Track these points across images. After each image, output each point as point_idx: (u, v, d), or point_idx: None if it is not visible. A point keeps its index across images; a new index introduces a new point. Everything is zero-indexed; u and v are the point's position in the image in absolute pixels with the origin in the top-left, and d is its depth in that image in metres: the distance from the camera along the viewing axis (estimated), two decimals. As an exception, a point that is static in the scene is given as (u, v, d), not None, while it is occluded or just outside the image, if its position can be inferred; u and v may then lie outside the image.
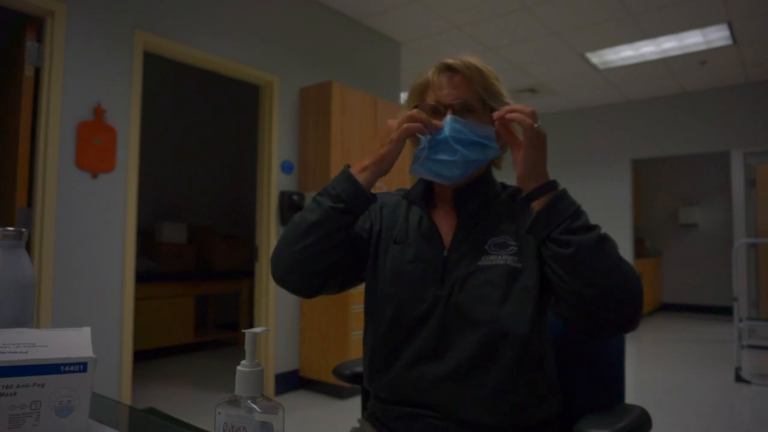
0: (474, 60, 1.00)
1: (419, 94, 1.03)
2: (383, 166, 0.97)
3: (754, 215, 5.89)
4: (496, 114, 0.90)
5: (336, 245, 0.95)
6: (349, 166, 0.98)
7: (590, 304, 0.84)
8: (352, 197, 0.94)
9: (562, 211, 0.85)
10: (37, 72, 2.60)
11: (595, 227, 0.86)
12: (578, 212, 0.86)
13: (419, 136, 0.97)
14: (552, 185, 0.88)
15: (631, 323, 0.85)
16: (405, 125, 0.93)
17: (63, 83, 2.59)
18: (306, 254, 0.94)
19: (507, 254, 0.95)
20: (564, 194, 0.87)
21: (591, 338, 0.92)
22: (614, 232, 5.91)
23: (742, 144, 5.88)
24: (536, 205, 0.88)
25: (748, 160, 5.92)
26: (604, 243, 0.85)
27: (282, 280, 0.99)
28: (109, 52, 2.78)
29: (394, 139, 0.94)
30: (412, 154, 1.11)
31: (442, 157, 0.94)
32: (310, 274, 0.96)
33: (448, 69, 0.99)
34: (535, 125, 0.86)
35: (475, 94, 0.98)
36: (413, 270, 0.99)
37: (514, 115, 0.88)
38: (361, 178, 0.95)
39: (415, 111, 0.95)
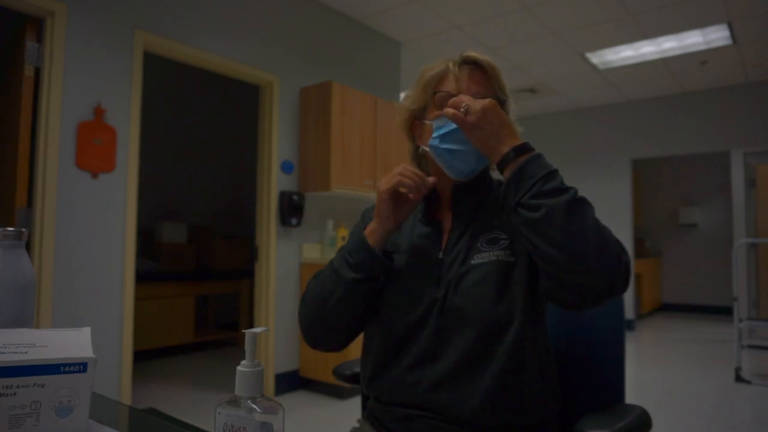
0: (490, 59, 1.00)
1: (437, 83, 1.01)
2: (384, 224, 0.96)
3: (754, 215, 5.89)
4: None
5: (365, 305, 0.98)
6: (363, 229, 0.98)
7: (564, 271, 0.80)
8: (370, 266, 0.94)
9: (533, 174, 0.82)
10: (37, 72, 2.60)
11: (568, 189, 0.81)
12: (551, 175, 0.82)
13: (427, 122, 1.00)
14: (521, 150, 0.85)
15: (611, 289, 0.81)
16: (396, 179, 0.94)
17: (63, 83, 2.59)
18: (338, 324, 0.98)
19: (499, 249, 0.94)
20: (535, 158, 0.84)
21: (577, 309, 0.88)
22: (614, 233, 5.96)
23: (742, 144, 5.88)
24: (507, 173, 0.85)
25: (748, 160, 5.92)
26: (578, 205, 0.80)
27: (316, 346, 1.03)
28: (109, 52, 2.78)
29: (382, 198, 0.95)
30: (411, 151, 1.11)
31: (451, 146, 0.94)
32: (345, 335, 1.01)
33: (471, 62, 0.99)
34: (457, 112, 0.87)
35: (493, 92, 0.99)
36: (409, 274, 0.99)
37: (453, 117, 0.89)
38: (372, 241, 0.95)
39: (409, 170, 0.95)
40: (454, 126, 0.92)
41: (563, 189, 0.81)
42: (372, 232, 0.96)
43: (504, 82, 1.00)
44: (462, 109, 0.87)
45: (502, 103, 1.00)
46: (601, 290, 0.81)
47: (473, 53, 0.99)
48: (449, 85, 0.98)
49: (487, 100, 0.87)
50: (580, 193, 0.83)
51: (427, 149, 0.99)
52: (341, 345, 1.02)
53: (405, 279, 0.99)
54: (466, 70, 0.98)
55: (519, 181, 0.83)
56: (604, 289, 0.81)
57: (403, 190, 0.95)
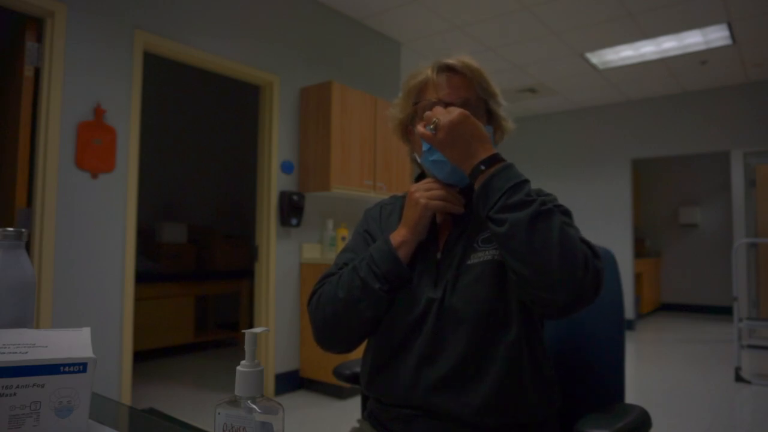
0: (471, 60, 1.00)
1: (417, 92, 1.03)
2: (420, 236, 0.98)
3: (754, 215, 5.89)
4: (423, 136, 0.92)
5: (385, 311, 0.98)
6: (388, 240, 0.97)
7: (530, 285, 0.81)
8: (397, 278, 0.95)
9: (499, 188, 0.83)
10: (37, 72, 2.60)
11: (533, 201, 0.81)
12: (515, 187, 0.83)
13: (416, 131, 1.00)
14: (490, 162, 0.85)
15: (577, 301, 0.80)
16: (440, 204, 0.95)
17: (63, 83, 2.59)
18: (358, 328, 0.98)
19: (493, 248, 0.94)
20: (502, 170, 0.84)
21: (551, 318, 0.90)
22: (614, 232, 5.89)
23: (742, 144, 5.88)
24: (476, 186, 0.87)
25: (748, 160, 5.91)
26: (541, 218, 0.80)
27: (329, 348, 1.02)
28: (109, 52, 2.78)
29: (426, 214, 0.96)
30: (410, 154, 1.12)
31: (439, 157, 0.96)
32: (361, 338, 1.01)
33: (448, 69, 0.99)
34: (427, 128, 0.88)
35: (475, 95, 0.99)
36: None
37: (423, 135, 0.91)
38: (402, 254, 0.96)
39: (441, 192, 0.96)
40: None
41: (527, 202, 0.81)
42: (404, 243, 0.96)
43: (487, 82, 1.00)
44: (431, 126, 0.88)
45: (485, 102, 1.00)
46: (566, 304, 0.81)
47: (449, 60, 0.99)
48: (429, 94, 1.00)
49: (455, 113, 0.87)
50: (553, 203, 0.84)
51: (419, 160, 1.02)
52: (354, 347, 1.03)
53: None
54: (444, 77, 0.99)
55: (486, 194, 0.84)
56: (570, 303, 0.81)
57: (448, 209, 0.97)
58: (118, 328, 2.77)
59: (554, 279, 0.78)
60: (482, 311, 0.90)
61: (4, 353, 0.56)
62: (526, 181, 0.84)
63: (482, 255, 0.94)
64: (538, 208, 0.81)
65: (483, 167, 0.85)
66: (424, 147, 0.98)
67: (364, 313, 0.95)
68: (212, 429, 0.53)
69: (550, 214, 0.81)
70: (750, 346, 4.33)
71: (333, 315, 0.97)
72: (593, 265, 0.80)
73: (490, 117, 1.02)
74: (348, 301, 0.95)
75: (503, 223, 0.81)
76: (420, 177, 1.09)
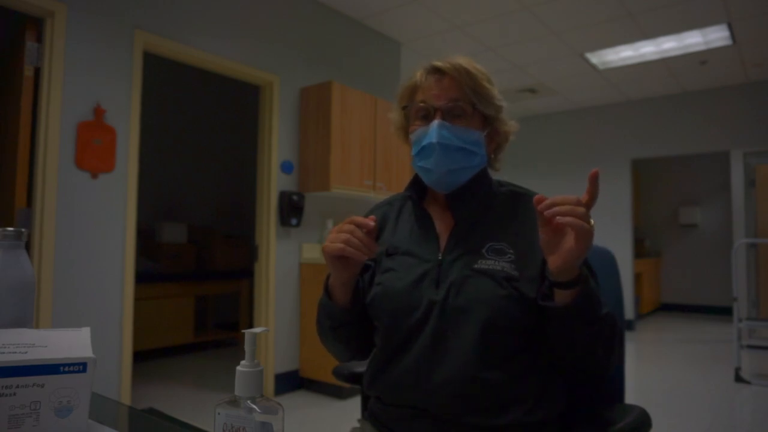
0: (464, 61, 0.98)
1: (409, 95, 1.03)
2: (340, 278, 0.97)
3: (753, 215, 5.89)
4: (539, 207, 0.79)
5: (360, 328, 1.03)
6: (328, 277, 1.01)
7: (562, 363, 0.94)
8: (339, 317, 1.01)
9: (590, 309, 0.84)
10: (37, 72, 2.60)
11: (606, 318, 0.86)
12: (600, 307, 0.85)
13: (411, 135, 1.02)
14: (582, 278, 0.83)
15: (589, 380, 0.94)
16: (339, 247, 0.90)
17: (63, 83, 2.59)
18: (348, 344, 1.05)
19: (504, 261, 0.93)
20: (591, 290, 0.84)
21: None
22: (614, 232, 5.88)
23: (742, 144, 5.88)
24: (561, 295, 0.84)
25: (748, 160, 5.91)
26: (614, 333, 0.88)
27: (340, 361, 1.14)
28: (109, 52, 2.78)
29: (327, 259, 0.94)
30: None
31: (424, 164, 0.98)
32: (359, 351, 1.08)
33: (436, 71, 0.98)
34: (591, 226, 0.78)
35: (465, 97, 0.97)
36: (408, 275, 0.98)
37: (567, 219, 0.77)
38: (337, 295, 1.00)
39: (345, 236, 0.90)
40: (424, 144, 0.96)
41: (602, 318, 0.86)
42: (332, 286, 1.00)
43: (479, 83, 0.97)
44: (592, 224, 0.81)
45: (473, 105, 0.98)
46: (583, 381, 0.97)
47: (437, 62, 0.99)
48: (418, 97, 1.00)
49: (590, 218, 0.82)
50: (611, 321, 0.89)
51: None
52: (361, 357, 1.09)
53: (404, 280, 0.98)
54: (432, 79, 0.98)
55: (578, 312, 0.84)
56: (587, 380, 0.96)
57: (347, 254, 0.91)
58: (118, 328, 2.77)
59: (581, 373, 0.95)
60: (488, 314, 0.90)
61: (3, 353, 0.56)
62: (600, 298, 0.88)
63: (492, 264, 0.93)
64: (606, 329, 0.88)
65: (573, 284, 0.83)
66: (413, 151, 1.00)
67: (338, 338, 1.03)
68: (212, 429, 0.53)
69: (611, 332, 0.89)
70: (750, 347, 4.33)
71: (324, 339, 1.08)
72: (618, 356, 0.92)
73: (485, 120, 1.01)
74: (323, 325, 1.05)
75: (595, 324, 0.86)
76: (416, 178, 1.09)
